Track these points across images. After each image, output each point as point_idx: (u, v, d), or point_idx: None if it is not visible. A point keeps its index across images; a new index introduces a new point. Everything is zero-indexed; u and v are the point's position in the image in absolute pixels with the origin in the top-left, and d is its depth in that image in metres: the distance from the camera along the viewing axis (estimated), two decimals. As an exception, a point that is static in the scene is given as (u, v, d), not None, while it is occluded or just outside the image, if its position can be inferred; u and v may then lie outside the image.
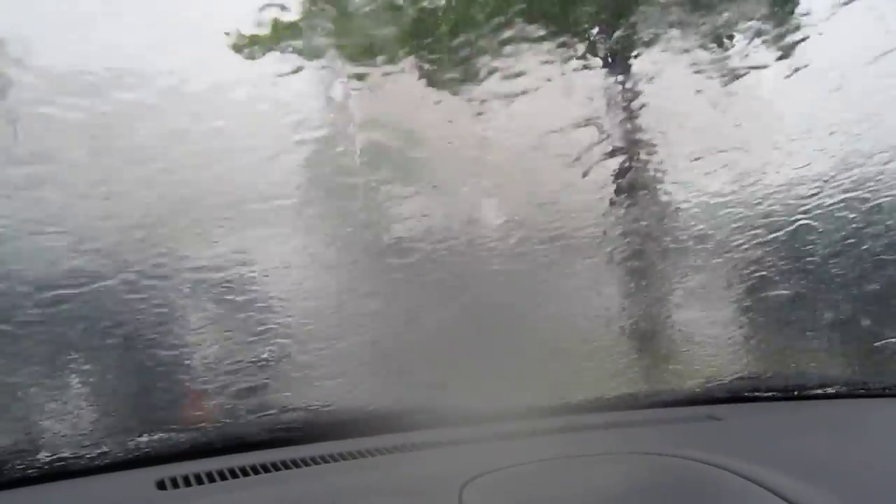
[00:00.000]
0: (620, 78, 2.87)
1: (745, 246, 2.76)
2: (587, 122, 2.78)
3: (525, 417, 2.36)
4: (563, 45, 2.71)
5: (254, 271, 2.35)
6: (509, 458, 1.99)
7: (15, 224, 2.11)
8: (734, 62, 2.87)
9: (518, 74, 2.60)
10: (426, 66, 2.64)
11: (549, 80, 2.65)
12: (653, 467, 2.03)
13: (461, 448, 2.16)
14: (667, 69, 2.81)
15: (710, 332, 2.86)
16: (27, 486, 1.91)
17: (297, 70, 2.44)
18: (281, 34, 2.47)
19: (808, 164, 2.74)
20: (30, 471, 1.94)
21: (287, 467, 1.94)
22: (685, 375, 2.82)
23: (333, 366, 2.23)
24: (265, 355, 2.23)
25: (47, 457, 1.95)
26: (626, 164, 2.81)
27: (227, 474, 1.89)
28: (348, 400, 2.21)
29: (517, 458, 2.01)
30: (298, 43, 2.47)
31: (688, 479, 1.95)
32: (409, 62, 2.58)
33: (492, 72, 2.60)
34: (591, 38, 2.90)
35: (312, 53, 2.50)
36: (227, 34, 2.53)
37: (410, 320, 2.45)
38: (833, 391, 2.67)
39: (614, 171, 2.78)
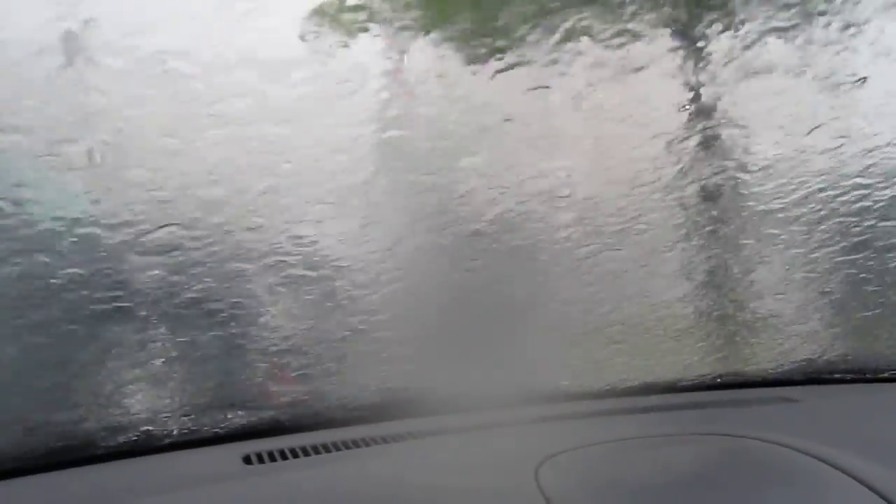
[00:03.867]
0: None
1: (826, 223, 2.71)
2: (679, 105, 2.75)
3: (601, 397, 2.39)
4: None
5: (339, 255, 2.39)
6: (585, 438, 2.01)
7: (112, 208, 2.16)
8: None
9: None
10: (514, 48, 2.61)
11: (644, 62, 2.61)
12: (727, 448, 2.04)
13: (537, 427, 2.19)
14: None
15: (785, 312, 2.83)
16: (119, 459, 2.00)
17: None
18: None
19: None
20: (121, 445, 2.02)
21: (367, 444, 2.00)
22: (760, 356, 2.80)
23: (412, 346, 2.27)
24: (347, 335, 2.27)
25: (138, 432, 2.04)
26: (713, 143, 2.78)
27: (310, 450, 1.96)
28: (426, 380, 2.25)
29: (593, 437, 2.04)
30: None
31: (762, 461, 1.95)
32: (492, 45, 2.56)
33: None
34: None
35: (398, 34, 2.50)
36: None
37: (489, 301, 2.47)
38: (911, 374, 2.65)
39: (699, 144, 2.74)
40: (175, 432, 2.06)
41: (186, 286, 2.17)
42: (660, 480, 1.87)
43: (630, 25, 2.55)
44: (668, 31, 2.67)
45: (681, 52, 2.67)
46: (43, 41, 2.03)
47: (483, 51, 2.47)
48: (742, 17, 2.66)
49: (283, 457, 1.93)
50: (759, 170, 2.75)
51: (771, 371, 2.73)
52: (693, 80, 2.70)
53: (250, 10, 2.17)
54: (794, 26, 2.64)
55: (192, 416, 2.10)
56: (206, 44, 2.16)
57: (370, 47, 2.40)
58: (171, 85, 2.13)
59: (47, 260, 2.03)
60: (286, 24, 2.33)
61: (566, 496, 1.69)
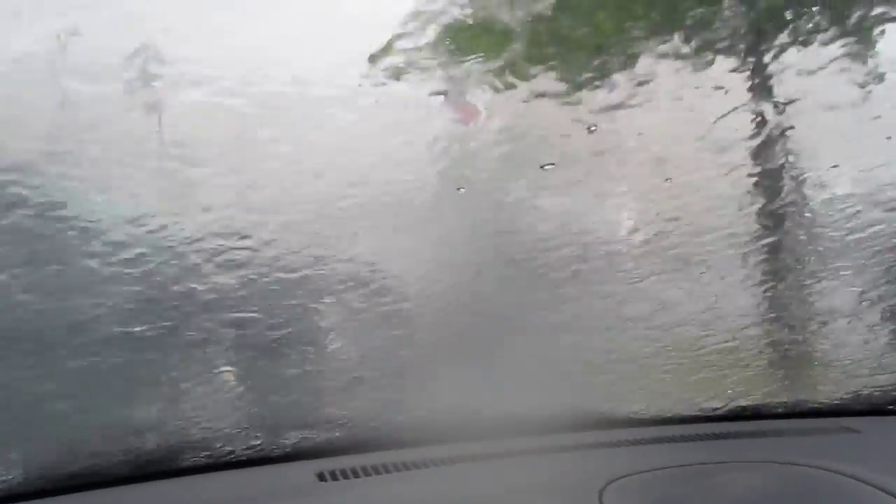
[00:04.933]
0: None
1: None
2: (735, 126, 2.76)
3: (665, 424, 2.42)
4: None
5: (400, 274, 2.46)
6: (648, 463, 2.05)
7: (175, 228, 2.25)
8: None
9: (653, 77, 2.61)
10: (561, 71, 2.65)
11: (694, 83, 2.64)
12: (788, 476, 2.06)
13: (601, 451, 2.23)
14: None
15: (850, 342, 2.82)
16: (200, 474, 2.08)
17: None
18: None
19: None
20: (203, 460, 2.09)
21: (436, 465, 2.05)
22: (823, 386, 2.80)
23: (483, 371, 2.33)
24: (419, 359, 2.34)
25: (218, 447, 2.11)
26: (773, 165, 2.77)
27: (381, 469, 2.00)
28: (494, 402, 2.30)
29: (656, 462, 2.07)
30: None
31: (823, 490, 1.97)
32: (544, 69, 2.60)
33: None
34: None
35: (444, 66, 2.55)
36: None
37: (553, 325, 2.52)
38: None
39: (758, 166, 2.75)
40: (253, 449, 2.13)
41: (265, 311, 2.27)
42: (723, 507, 1.91)
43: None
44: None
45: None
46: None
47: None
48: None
49: (356, 475, 1.98)
50: (825, 199, 2.77)
51: (833, 401, 2.73)
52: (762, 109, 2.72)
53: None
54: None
55: (270, 433, 2.17)
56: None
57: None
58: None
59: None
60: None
61: (629, 519, 1.75)
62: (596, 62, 2.62)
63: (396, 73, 2.42)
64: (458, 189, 2.50)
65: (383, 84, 2.36)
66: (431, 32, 2.41)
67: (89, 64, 2.12)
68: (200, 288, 2.22)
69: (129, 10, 2.14)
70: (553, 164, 2.52)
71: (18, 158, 2.09)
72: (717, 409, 2.54)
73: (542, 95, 2.52)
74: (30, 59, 2.06)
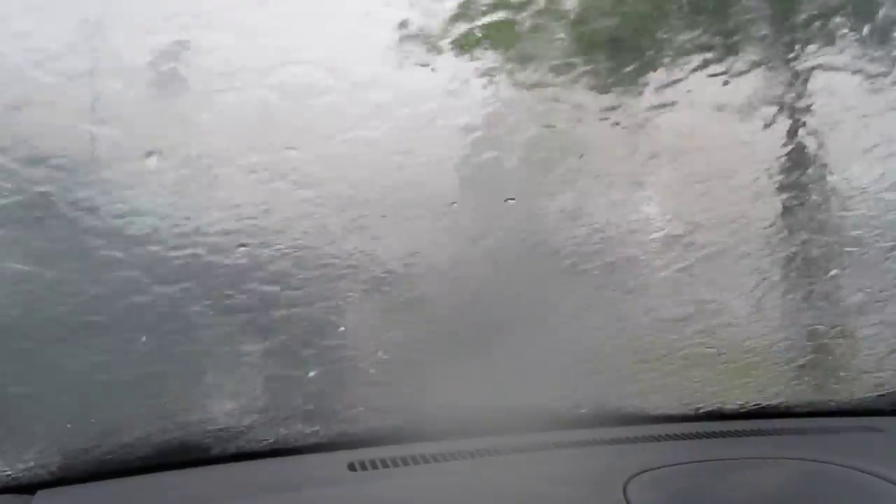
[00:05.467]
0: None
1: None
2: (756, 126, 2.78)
3: (690, 420, 2.45)
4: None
5: (431, 268, 2.49)
6: (673, 458, 2.09)
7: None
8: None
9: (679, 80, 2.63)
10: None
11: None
12: (811, 473, 2.09)
13: (627, 446, 2.26)
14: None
15: (874, 341, 2.83)
16: (233, 462, 2.11)
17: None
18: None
19: None
20: (238, 448, 2.14)
21: (465, 457, 2.09)
22: (847, 385, 2.81)
23: (508, 364, 2.36)
24: (449, 353, 2.37)
25: (254, 437, 2.16)
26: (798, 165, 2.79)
27: (409, 461, 2.05)
28: (520, 397, 2.33)
29: (681, 457, 2.11)
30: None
31: (846, 487, 2.00)
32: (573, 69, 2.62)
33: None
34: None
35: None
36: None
37: (582, 323, 2.56)
38: None
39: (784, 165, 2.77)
40: (287, 439, 2.18)
41: (301, 301, 2.32)
42: (745, 502, 1.94)
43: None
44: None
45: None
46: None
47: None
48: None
49: (385, 465, 2.02)
50: (851, 198, 2.79)
51: (858, 401, 2.74)
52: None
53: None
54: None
55: (304, 424, 2.22)
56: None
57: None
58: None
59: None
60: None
61: (652, 511, 1.79)
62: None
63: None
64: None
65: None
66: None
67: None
68: (234, 279, 2.28)
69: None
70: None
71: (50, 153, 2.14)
72: (740, 406, 2.56)
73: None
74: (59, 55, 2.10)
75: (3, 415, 2.01)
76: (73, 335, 2.11)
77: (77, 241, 2.16)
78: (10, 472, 1.89)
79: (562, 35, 2.60)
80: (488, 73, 2.58)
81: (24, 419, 2.02)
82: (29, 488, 1.86)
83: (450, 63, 2.53)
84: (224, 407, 2.22)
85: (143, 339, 2.13)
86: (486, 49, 2.58)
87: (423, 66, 2.48)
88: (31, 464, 1.91)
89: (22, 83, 2.09)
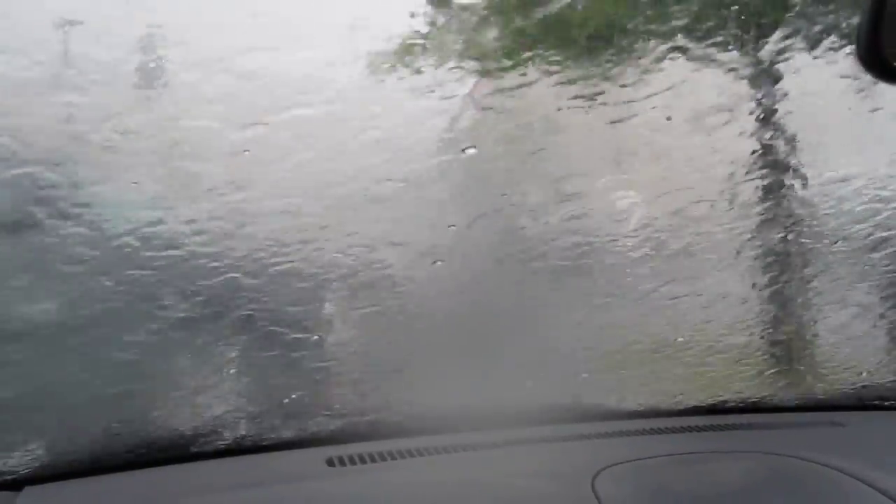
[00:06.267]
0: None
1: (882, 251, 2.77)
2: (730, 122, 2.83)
3: (657, 416, 2.50)
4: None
5: (413, 266, 2.54)
6: (640, 452, 2.14)
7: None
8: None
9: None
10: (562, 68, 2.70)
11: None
12: (774, 467, 2.14)
13: (595, 441, 2.31)
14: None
15: (837, 338, 2.90)
16: (214, 458, 2.16)
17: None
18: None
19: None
20: (216, 445, 2.18)
21: (440, 452, 2.13)
22: (810, 380, 2.87)
23: (483, 362, 2.41)
24: (427, 350, 2.42)
25: (231, 434, 2.21)
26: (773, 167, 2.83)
27: (387, 456, 2.08)
28: (496, 394, 2.38)
29: (648, 452, 2.16)
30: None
31: (808, 481, 2.05)
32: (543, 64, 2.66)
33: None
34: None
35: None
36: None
37: (565, 320, 2.61)
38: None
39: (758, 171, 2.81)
40: (265, 435, 2.22)
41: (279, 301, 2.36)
42: (709, 493, 1.99)
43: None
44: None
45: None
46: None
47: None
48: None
49: (363, 461, 2.06)
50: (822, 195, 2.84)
51: (820, 396, 2.81)
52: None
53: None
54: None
55: (282, 421, 2.26)
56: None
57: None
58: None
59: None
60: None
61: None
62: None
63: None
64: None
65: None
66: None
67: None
68: (214, 280, 2.31)
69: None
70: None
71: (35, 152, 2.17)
72: (706, 402, 2.62)
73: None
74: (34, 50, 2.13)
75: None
76: (58, 334, 2.15)
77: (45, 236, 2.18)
78: (-3, 469, 1.92)
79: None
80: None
81: (10, 418, 2.04)
82: (15, 485, 1.88)
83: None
84: (205, 404, 2.26)
85: (124, 337, 2.17)
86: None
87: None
88: (18, 461, 1.94)
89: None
